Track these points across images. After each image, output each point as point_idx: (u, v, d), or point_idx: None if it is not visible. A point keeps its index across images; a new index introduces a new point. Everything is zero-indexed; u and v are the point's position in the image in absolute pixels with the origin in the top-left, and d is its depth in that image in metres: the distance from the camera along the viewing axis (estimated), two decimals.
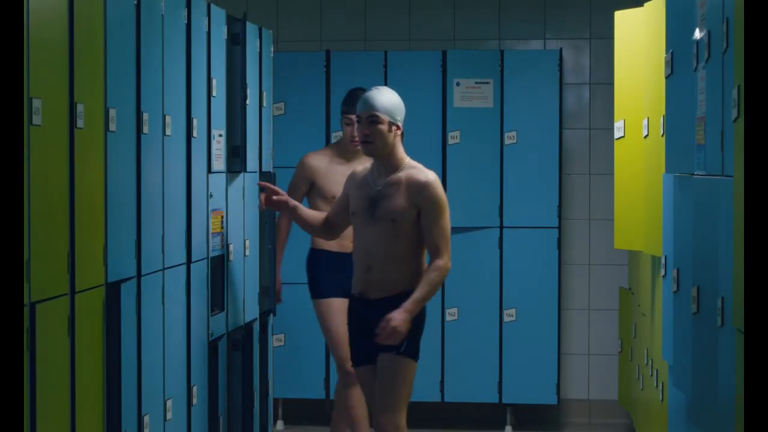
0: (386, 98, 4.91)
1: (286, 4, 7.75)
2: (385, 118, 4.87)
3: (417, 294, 4.74)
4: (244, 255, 5.45)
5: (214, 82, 5.02)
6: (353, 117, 5.57)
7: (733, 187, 3.12)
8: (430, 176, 4.86)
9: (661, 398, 5.17)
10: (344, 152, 5.88)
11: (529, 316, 7.26)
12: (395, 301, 4.76)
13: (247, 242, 5.50)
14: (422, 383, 5.41)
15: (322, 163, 5.89)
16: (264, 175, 5.74)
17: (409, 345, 4.77)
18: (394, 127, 4.89)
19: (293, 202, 5.06)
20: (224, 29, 5.20)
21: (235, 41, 5.31)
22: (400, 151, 4.92)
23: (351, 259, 4.99)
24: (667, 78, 4.50)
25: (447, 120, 7.24)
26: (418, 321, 4.79)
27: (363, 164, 5.15)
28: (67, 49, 3.57)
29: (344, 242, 5.57)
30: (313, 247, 5.90)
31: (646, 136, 5.40)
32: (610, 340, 7.52)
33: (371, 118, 4.86)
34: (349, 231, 5.07)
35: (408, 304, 4.72)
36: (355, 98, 5.38)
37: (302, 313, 6.89)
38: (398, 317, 4.69)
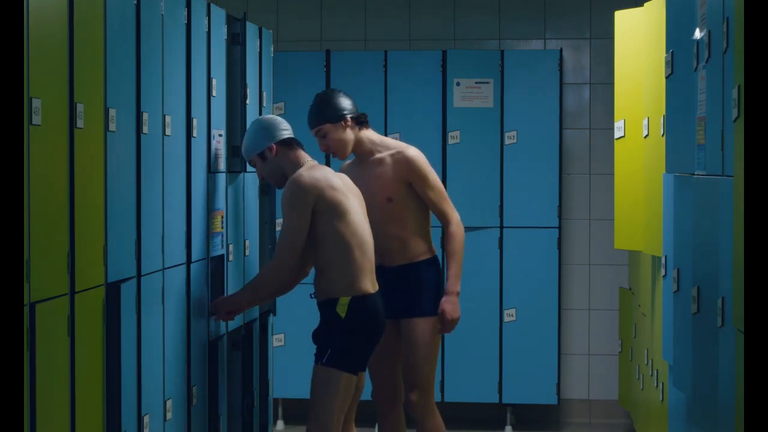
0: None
1: (286, 4, 7.75)
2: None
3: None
4: (244, 255, 5.44)
5: (214, 82, 5.01)
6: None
7: (733, 187, 3.12)
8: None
9: (661, 398, 5.17)
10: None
11: (529, 316, 7.26)
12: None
13: (247, 242, 5.49)
14: None
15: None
16: None
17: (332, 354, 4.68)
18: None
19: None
20: (224, 29, 5.20)
21: (235, 41, 5.31)
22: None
23: (391, 274, 5.08)
24: (667, 78, 4.50)
25: (447, 120, 7.24)
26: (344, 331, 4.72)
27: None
28: (67, 49, 3.57)
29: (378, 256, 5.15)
30: None
31: (646, 136, 5.40)
32: (610, 340, 7.52)
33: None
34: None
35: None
36: None
37: (302, 313, 6.89)
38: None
